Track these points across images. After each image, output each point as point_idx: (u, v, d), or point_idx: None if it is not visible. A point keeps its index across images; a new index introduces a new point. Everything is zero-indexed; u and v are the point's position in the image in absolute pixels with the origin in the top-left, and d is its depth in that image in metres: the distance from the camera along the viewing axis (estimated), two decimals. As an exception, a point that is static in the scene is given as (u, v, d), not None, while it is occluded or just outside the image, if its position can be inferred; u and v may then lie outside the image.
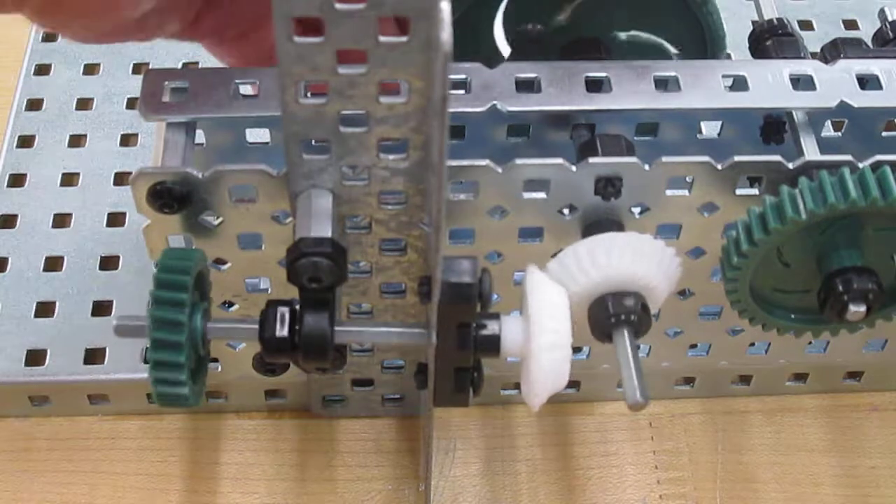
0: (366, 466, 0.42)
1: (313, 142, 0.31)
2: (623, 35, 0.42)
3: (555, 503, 0.42)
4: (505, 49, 0.43)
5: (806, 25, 0.56)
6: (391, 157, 0.31)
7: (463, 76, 0.36)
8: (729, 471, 0.43)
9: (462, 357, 0.32)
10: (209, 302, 0.33)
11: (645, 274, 0.33)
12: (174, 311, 0.30)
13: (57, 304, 0.45)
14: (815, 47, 0.42)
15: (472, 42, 0.42)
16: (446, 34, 0.25)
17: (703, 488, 0.42)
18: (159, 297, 0.30)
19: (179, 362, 0.30)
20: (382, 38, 0.27)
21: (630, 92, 0.36)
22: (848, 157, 0.34)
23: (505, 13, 0.42)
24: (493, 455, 0.43)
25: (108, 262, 0.46)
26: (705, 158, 0.34)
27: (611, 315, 0.33)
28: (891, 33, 0.42)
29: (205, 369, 0.33)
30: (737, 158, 0.34)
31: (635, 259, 0.33)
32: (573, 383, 0.43)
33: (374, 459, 0.43)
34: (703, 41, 0.42)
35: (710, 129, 0.39)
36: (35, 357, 0.43)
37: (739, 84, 0.37)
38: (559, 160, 0.34)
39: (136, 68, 0.53)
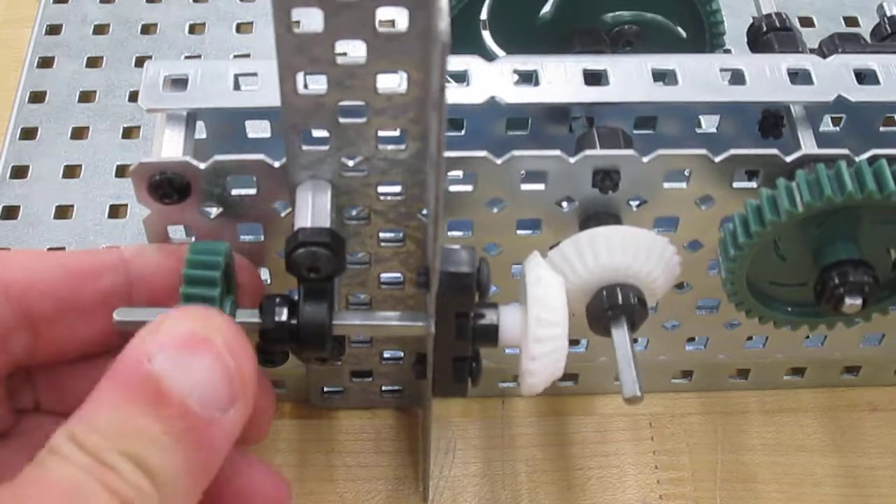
0: (366, 466, 0.42)
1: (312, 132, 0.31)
2: (627, 15, 0.43)
3: (555, 503, 0.42)
4: (497, 51, 0.43)
5: (806, 22, 0.57)
6: (390, 147, 0.31)
7: (462, 68, 0.36)
8: (729, 471, 0.43)
9: (460, 347, 0.32)
10: (235, 294, 0.32)
11: (645, 268, 0.33)
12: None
13: (59, 295, 0.45)
14: (815, 43, 0.42)
15: (464, 45, 0.42)
16: (444, 24, 0.25)
17: (703, 488, 0.42)
18: (189, 294, 0.29)
19: None
20: (381, 29, 0.27)
21: (628, 85, 0.36)
22: (845, 151, 0.34)
23: (490, 13, 0.42)
24: (493, 455, 0.43)
25: (110, 254, 0.46)
26: (702, 151, 0.34)
27: (609, 308, 0.33)
28: (889, 28, 0.42)
29: None
30: (733, 151, 0.34)
31: (636, 253, 0.33)
32: (571, 376, 0.43)
33: (374, 459, 0.42)
34: (702, 35, 0.43)
35: (708, 122, 0.39)
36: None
37: (738, 78, 0.37)
38: (557, 152, 0.34)
39: (139, 61, 0.54)
